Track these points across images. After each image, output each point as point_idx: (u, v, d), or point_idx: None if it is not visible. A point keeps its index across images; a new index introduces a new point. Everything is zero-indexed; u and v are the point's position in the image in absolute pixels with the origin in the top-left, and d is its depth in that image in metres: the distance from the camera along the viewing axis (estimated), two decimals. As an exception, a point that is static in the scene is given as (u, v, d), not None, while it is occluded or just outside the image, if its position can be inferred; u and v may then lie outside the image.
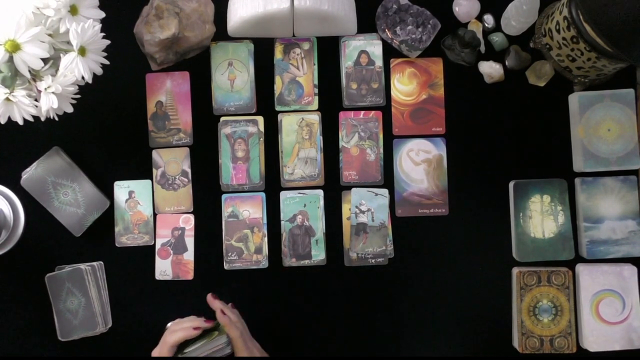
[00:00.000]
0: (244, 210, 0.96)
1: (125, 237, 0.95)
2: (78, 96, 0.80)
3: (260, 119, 0.97)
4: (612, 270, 0.94)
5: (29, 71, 0.74)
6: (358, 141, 0.97)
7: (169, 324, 0.90)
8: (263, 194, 0.96)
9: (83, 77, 0.76)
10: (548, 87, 0.97)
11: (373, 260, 0.96)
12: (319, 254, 0.96)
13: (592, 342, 0.93)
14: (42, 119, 0.77)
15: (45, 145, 0.94)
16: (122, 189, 0.96)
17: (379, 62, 0.97)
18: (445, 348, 0.96)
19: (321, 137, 0.97)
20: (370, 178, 0.97)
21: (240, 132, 0.96)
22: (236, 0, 0.92)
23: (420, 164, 0.97)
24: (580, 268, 0.95)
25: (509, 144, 0.97)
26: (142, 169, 0.96)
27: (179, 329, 0.84)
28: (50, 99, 0.74)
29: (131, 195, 0.96)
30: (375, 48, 0.97)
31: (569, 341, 0.94)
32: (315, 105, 0.97)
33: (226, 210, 0.96)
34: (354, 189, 0.96)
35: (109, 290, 0.95)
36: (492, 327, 0.96)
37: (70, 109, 0.79)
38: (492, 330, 0.96)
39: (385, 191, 0.96)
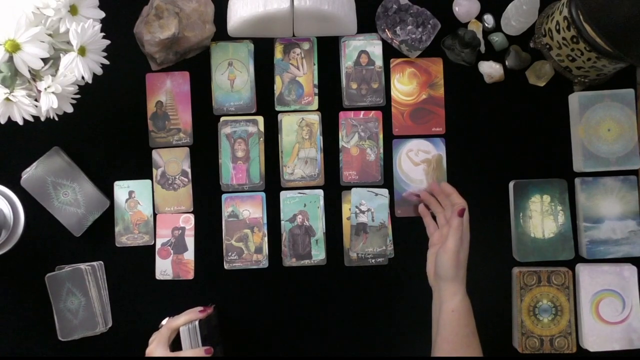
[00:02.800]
0: (244, 210, 0.96)
1: (125, 237, 0.95)
2: (78, 96, 0.80)
3: (260, 119, 0.97)
4: (612, 270, 0.94)
5: (29, 71, 0.73)
6: (358, 141, 0.97)
7: (163, 321, 0.90)
8: (263, 194, 0.96)
9: (83, 77, 0.76)
10: (548, 87, 0.97)
11: (373, 260, 0.96)
12: (319, 254, 0.96)
13: (592, 342, 0.93)
14: (42, 119, 0.77)
15: (45, 145, 0.94)
16: (122, 189, 0.96)
17: (379, 62, 0.97)
18: (445, 348, 0.96)
19: (321, 137, 0.97)
20: (370, 178, 0.97)
21: (240, 132, 0.96)
22: (236, 0, 0.92)
23: (420, 164, 0.97)
24: (580, 268, 0.95)
25: (509, 144, 0.97)
26: (142, 169, 0.96)
27: (182, 315, 0.87)
28: (50, 99, 0.74)
29: (131, 195, 0.96)
30: (375, 48, 0.97)
31: (569, 341, 0.94)
32: (315, 105, 0.97)
33: (226, 210, 0.96)
34: (354, 189, 0.96)
35: (109, 290, 0.95)
36: (492, 327, 0.96)
37: (70, 109, 0.79)
38: (492, 330, 0.96)
39: (385, 191, 0.96)
